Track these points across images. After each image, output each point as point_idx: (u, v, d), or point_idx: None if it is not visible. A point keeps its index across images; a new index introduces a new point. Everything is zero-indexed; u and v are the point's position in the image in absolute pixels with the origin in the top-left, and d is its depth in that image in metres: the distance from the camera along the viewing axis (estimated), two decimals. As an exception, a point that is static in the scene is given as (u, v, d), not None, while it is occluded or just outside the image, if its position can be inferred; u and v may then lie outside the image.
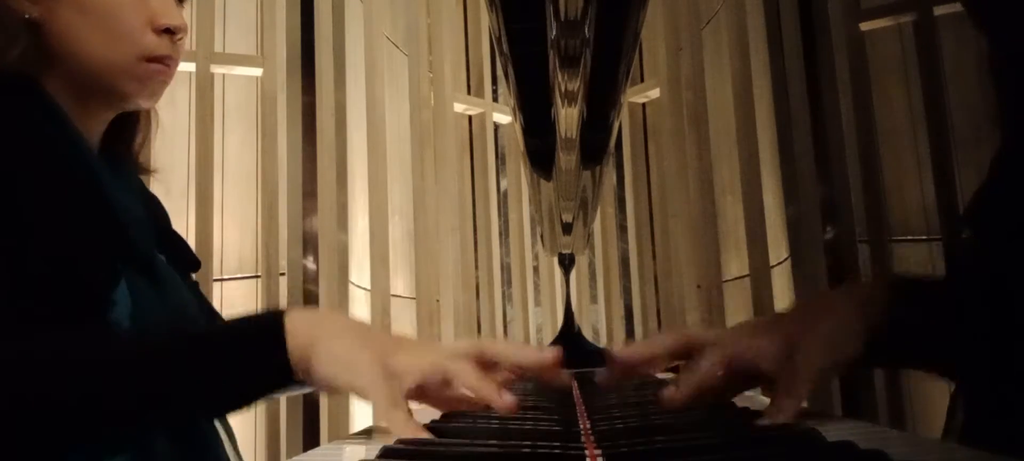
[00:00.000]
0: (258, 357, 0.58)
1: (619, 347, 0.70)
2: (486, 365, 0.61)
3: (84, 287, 0.61)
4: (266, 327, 0.59)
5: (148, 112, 0.82)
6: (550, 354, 0.62)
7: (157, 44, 0.72)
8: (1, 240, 0.59)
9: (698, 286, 2.16)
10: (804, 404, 0.58)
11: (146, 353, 0.58)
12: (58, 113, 0.68)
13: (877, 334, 0.58)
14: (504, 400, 0.57)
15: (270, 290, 1.82)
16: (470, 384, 0.58)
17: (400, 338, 0.62)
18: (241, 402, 0.60)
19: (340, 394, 0.60)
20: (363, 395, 0.58)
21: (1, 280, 0.58)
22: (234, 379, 0.59)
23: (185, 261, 0.84)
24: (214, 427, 0.73)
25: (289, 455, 1.71)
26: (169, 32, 0.73)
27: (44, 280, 0.59)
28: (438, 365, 0.58)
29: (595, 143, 1.37)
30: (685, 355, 0.64)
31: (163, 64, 0.73)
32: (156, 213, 0.84)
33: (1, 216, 0.59)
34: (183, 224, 1.76)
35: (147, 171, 0.86)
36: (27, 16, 0.68)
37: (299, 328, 0.58)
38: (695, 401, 0.60)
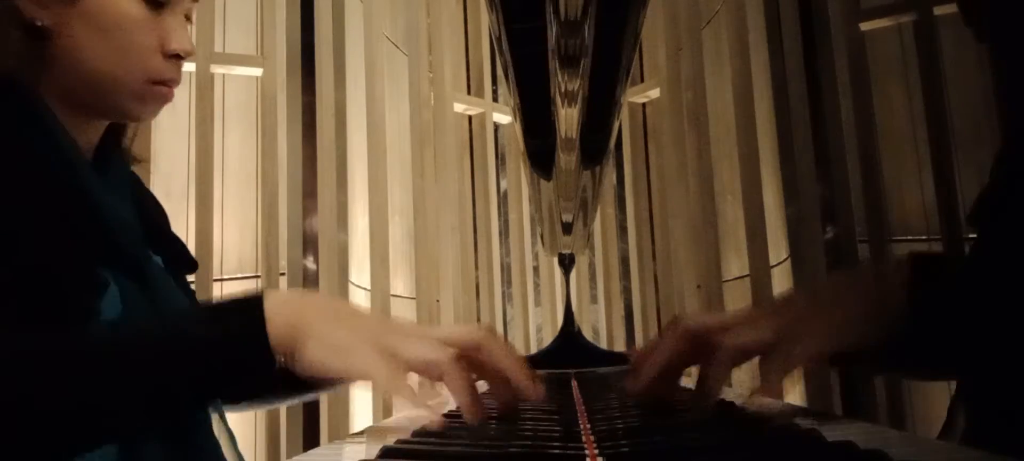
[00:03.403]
0: (235, 343, 0.55)
1: (636, 357, 0.69)
2: (480, 360, 0.61)
3: (65, 294, 0.60)
4: (244, 310, 0.57)
5: None
6: (538, 392, 0.62)
7: (164, 68, 0.72)
8: None
9: (698, 286, 2.16)
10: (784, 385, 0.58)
11: (115, 346, 0.55)
12: (47, 119, 0.67)
13: (894, 324, 0.55)
14: (475, 412, 0.59)
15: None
16: (455, 390, 0.58)
17: (392, 321, 0.61)
18: (218, 393, 0.58)
19: (332, 380, 0.58)
20: (361, 377, 0.56)
21: None
22: (209, 367, 0.55)
23: (182, 262, 0.83)
24: (211, 430, 0.72)
25: (289, 455, 1.71)
26: (176, 57, 0.73)
27: (22, 288, 0.58)
28: (431, 362, 0.58)
29: (595, 143, 1.37)
30: (692, 353, 0.64)
31: (166, 86, 0.73)
32: (152, 213, 0.82)
33: None
34: (183, 224, 1.76)
35: (138, 160, 0.84)
36: (38, 23, 0.67)
37: (281, 311, 0.56)
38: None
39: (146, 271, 0.70)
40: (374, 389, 0.54)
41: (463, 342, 0.60)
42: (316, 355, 0.55)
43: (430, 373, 0.58)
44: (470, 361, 0.61)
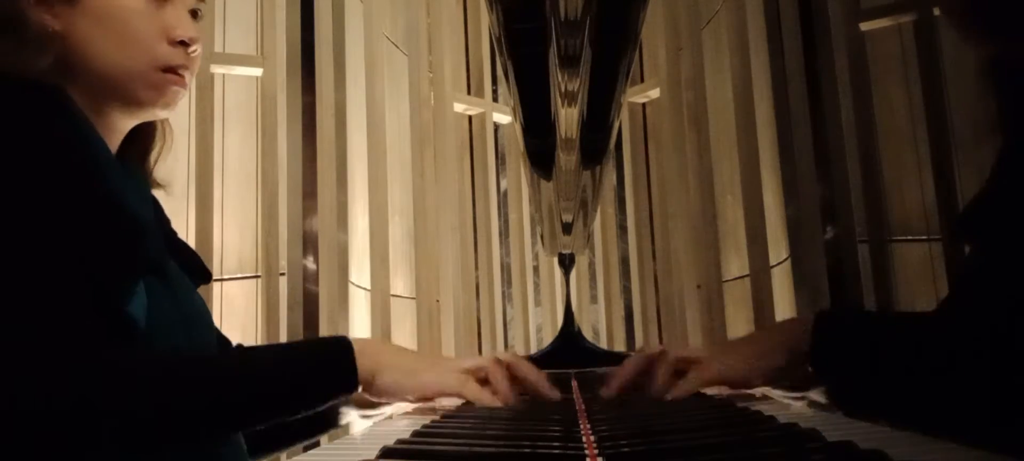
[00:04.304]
0: (336, 367, 0.72)
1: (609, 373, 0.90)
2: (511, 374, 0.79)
3: (104, 288, 0.63)
4: (340, 345, 0.73)
5: (163, 126, 0.85)
6: (556, 394, 0.81)
7: (172, 55, 0.75)
8: (27, 242, 0.60)
9: (698, 286, 2.16)
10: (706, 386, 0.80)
11: (251, 366, 0.71)
12: (85, 122, 0.70)
13: (799, 356, 0.76)
14: (552, 393, 0.79)
15: (270, 290, 1.82)
16: (501, 388, 0.76)
17: (442, 356, 0.78)
18: (317, 405, 0.72)
19: (400, 400, 0.76)
20: (433, 388, 0.75)
21: (29, 279, 0.59)
22: (316, 386, 0.71)
23: (194, 271, 0.85)
24: (236, 447, 0.75)
25: (289, 455, 1.71)
26: (183, 44, 0.76)
27: (61, 282, 0.60)
28: (480, 366, 0.76)
29: (595, 143, 1.37)
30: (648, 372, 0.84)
31: (177, 74, 0.76)
32: (161, 218, 0.84)
33: (28, 218, 0.60)
34: (183, 224, 1.76)
35: (160, 185, 0.88)
36: (50, 29, 0.70)
37: (363, 349, 0.73)
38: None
39: (168, 271, 0.73)
40: (445, 394, 0.79)
41: (497, 359, 0.79)
42: (391, 379, 0.73)
43: (479, 374, 0.76)
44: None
